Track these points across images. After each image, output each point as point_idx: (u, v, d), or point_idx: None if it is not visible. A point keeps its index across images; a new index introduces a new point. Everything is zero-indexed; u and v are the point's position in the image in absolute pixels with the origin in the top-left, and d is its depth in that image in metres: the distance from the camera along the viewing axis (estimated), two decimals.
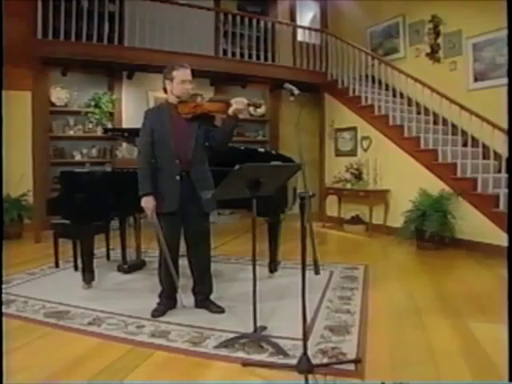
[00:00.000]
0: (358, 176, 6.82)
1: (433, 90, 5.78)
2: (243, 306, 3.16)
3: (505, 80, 5.56)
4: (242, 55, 6.80)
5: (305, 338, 2.16)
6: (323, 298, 3.43)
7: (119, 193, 3.41)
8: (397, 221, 5.90)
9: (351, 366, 2.26)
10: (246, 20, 6.76)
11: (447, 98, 5.59)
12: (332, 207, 7.31)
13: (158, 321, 2.85)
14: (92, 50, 5.49)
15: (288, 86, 2.30)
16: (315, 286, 3.74)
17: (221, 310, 3.02)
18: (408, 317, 3.04)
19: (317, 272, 2.03)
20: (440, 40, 6.56)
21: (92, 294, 3.42)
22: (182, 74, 2.81)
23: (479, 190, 5.09)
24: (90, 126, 6.33)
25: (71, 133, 6.30)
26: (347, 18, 8.19)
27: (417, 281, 3.94)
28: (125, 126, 6.51)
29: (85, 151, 6.37)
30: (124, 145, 6.54)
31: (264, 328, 2.69)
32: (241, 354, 2.38)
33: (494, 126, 5.02)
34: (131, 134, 3.49)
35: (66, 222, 3.68)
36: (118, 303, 3.17)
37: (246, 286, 3.71)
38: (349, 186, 6.79)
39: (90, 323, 2.78)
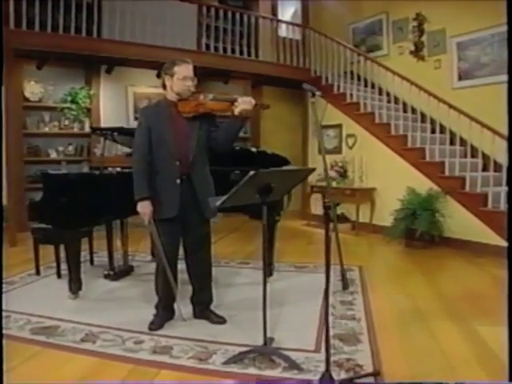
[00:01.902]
0: (343, 174, 6.77)
1: (421, 88, 5.76)
2: (244, 314, 3.03)
3: (490, 79, 5.66)
4: (224, 50, 6.61)
5: (328, 354, 2.03)
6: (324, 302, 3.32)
7: (109, 195, 3.19)
8: (383, 219, 5.89)
9: (370, 379, 2.17)
10: (229, 14, 6.58)
11: (435, 97, 5.59)
12: (316, 205, 7.24)
13: (156, 334, 2.66)
14: (69, 43, 5.17)
15: (307, 86, 2.16)
16: (313, 290, 3.63)
17: (222, 321, 2.86)
18: (413, 321, 2.98)
19: (345, 287, 1.89)
20: (424, 38, 6.57)
21: (80, 305, 3.19)
22: (184, 69, 2.61)
23: (467, 188, 5.11)
24: (67, 122, 6.00)
25: (46, 129, 5.95)
26: (329, 14, 8.11)
27: (413, 282, 3.90)
28: (103, 122, 6.23)
29: (61, 149, 6.04)
30: (102, 142, 6.26)
31: (272, 340, 2.55)
32: (253, 371, 2.25)
33: (483, 125, 5.05)
34: (121, 134, 3.27)
35: (47, 226, 3.43)
36: (111, 315, 2.96)
37: (244, 291, 3.59)
38: (334, 184, 6.73)
39: (83, 340, 2.56)
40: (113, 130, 3.33)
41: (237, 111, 2.55)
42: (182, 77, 2.60)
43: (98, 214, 3.20)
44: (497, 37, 5.64)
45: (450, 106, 5.36)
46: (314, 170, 2.37)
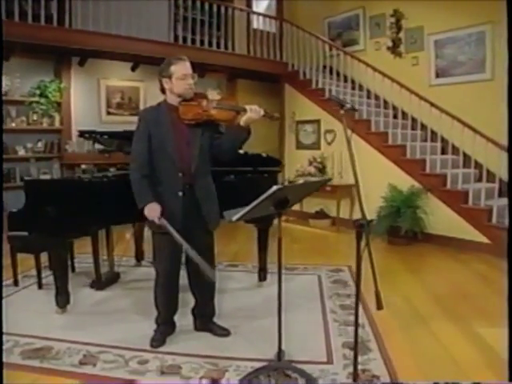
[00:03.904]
0: (322, 170, 6.76)
1: (402, 86, 5.80)
2: (246, 324, 2.94)
3: (466, 77, 5.77)
4: (201, 42, 6.40)
5: (355, 373, 1.97)
6: (324, 308, 3.28)
7: (98, 203, 2.97)
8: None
9: None
10: (206, 6, 6.35)
11: (417, 95, 5.64)
12: None
13: (160, 352, 2.52)
14: (39, 33, 4.80)
15: (335, 97, 2.06)
16: (308, 294, 3.60)
17: (227, 333, 2.76)
18: (414, 325, 2.99)
19: (379, 307, 1.83)
20: (402, 35, 6.61)
21: (70, 320, 2.97)
22: (182, 67, 2.42)
23: (448, 186, 5.21)
24: (35, 117, 5.61)
25: (13, 125, 5.53)
26: (304, 7, 8.02)
27: (405, 282, 3.93)
28: (74, 117, 5.91)
29: (29, 145, 5.65)
30: (74, 138, 5.94)
31: (283, 353, 2.47)
32: None
33: (465, 124, 5.14)
34: (111, 137, 3.05)
35: (25, 234, 3.17)
36: (106, 331, 2.78)
37: (240, 298, 3.49)
38: (313, 180, 6.71)
39: (82, 362, 2.38)
40: (102, 133, 3.10)
41: (243, 121, 2.40)
42: (181, 75, 2.41)
43: (90, 222, 2.98)
44: (473, 36, 5.76)
45: (432, 105, 5.42)
46: (329, 180, 2.28)
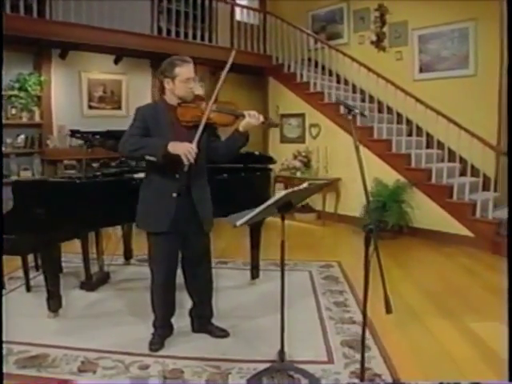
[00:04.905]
0: (307, 164, 6.78)
1: (388, 80, 5.84)
2: (244, 324, 2.94)
3: (450, 73, 5.85)
4: (185, 35, 6.27)
5: (362, 374, 1.99)
6: (319, 305, 3.31)
7: (90, 205, 2.90)
8: (348, 209, 6.02)
9: None
10: None
11: (402, 90, 5.69)
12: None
13: (160, 356, 2.50)
14: (18, 24, 4.60)
15: (342, 101, 2.05)
16: (301, 290, 3.63)
17: (225, 334, 2.75)
18: (409, 321, 3.04)
19: (388, 311, 1.84)
20: (386, 29, 6.64)
21: (63, 324, 2.90)
22: (186, 70, 2.37)
23: (433, 180, 5.30)
24: (14, 111, 5.39)
25: None
26: (287, 0, 7.95)
27: (394, 277, 3.96)
28: (54, 111, 5.71)
29: (9, 141, 5.43)
30: (55, 133, 5.76)
31: (284, 353, 2.48)
32: None
33: (449, 119, 5.23)
34: (103, 137, 2.96)
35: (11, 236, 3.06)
36: (102, 335, 2.73)
37: (234, 297, 3.47)
38: (299, 174, 6.74)
39: (81, 370, 2.32)
40: (94, 133, 3.00)
41: (242, 126, 2.37)
42: (184, 79, 2.37)
43: (82, 225, 2.91)
44: (456, 32, 5.84)
45: (417, 100, 5.48)
46: (331, 182, 2.28)
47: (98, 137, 2.98)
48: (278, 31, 7.15)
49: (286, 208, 2.13)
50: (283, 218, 2.18)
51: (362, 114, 1.95)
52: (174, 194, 2.41)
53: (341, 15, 7.30)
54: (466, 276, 4.05)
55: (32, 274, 3.64)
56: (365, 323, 1.98)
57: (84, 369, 2.33)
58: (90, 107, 6.07)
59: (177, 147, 2.24)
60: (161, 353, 2.53)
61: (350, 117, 1.91)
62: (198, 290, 2.71)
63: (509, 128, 2.05)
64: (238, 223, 2.02)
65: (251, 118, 2.34)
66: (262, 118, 2.37)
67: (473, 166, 5.15)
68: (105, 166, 4.52)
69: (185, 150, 2.23)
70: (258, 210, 1.96)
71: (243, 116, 2.36)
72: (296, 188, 2.01)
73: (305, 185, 2.10)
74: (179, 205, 2.42)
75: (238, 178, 3.41)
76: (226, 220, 2.19)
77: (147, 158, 2.33)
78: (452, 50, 5.90)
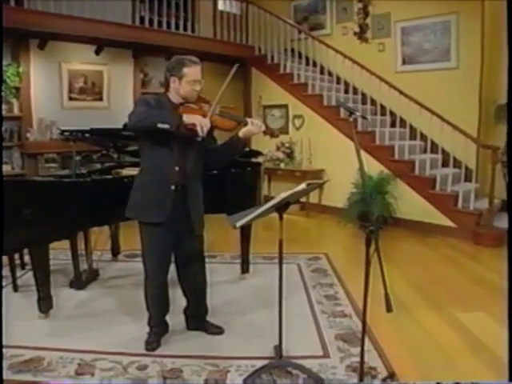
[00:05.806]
0: (290, 155, 6.81)
1: (372, 73, 5.88)
2: (237, 320, 2.96)
3: (432, 65, 5.94)
4: (168, 25, 6.16)
5: (361, 370, 2.04)
6: (310, 299, 3.35)
7: (81, 204, 2.85)
8: (332, 200, 6.10)
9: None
10: None
11: (386, 82, 5.74)
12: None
13: (157, 355, 2.49)
14: None
15: (341, 103, 2.05)
16: (291, 284, 3.64)
17: (220, 331, 2.77)
18: (399, 314, 3.08)
19: (389, 309, 1.89)
20: (369, 20, 6.67)
21: (56, 326, 2.85)
22: (194, 72, 2.33)
23: (416, 172, 5.41)
24: None
25: None
26: None
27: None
28: (34, 103, 5.55)
29: None
30: (35, 126, 5.60)
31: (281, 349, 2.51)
32: None
33: (433, 113, 5.32)
34: (93, 135, 2.89)
35: None
36: (96, 336, 2.70)
37: (225, 291, 3.49)
38: (282, 165, 6.76)
39: (78, 372, 2.29)
40: (84, 131, 2.93)
41: (242, 133, 2.36)
42: (191, 80, 2.33)
43: (73, 225, 2.85)
44: (439, 25, 5.91)
45: (401, 93, 5.55)
46: (327, 181, 2.31)
47: (87, 135, 2.92)
48: (261, 21, 7.10)
49: (283, 208, 2.14)
50: (281, 218, 2.19)
51: (364, 117, 1.96)
52: (173, 187, 2.40)
53: (323, 5, 7.29)
54: (450, 267, 4.17)
55: (18, 273, 3.56)
56: (364, 326, 2.02)
57: (81, 371, 2.31)
58: (71, 99, 5.92)
59: (192, 118, 2.21)
60: (158, 352, 2.53)
61: (350, 119, 1.91)
62: (193, 288, 2.71)
63: (509, 128, 2.11)
64: (238, 224, 2.03)
65: (253, 126, 2.33)
66: (263, 127, 2.37)
67: (455, 158, 5.27)
68: (87, 159, 4.44)
69: (201, 120, 2.20)
70: (258, 211, 1.98)
71: (245, 123, 2.35)
72: (295, 190, 2.02)
73: (303, 185, 2.12)
74: (175, 199, 2.41)
75: (229, 174, 3.39)
76: (226, 220, 2.19)
77: (159, 125, 2.17)
78: (434, 43, 5.98)
